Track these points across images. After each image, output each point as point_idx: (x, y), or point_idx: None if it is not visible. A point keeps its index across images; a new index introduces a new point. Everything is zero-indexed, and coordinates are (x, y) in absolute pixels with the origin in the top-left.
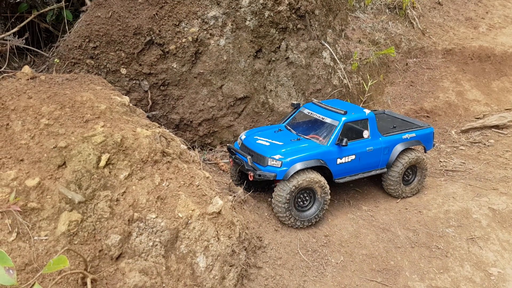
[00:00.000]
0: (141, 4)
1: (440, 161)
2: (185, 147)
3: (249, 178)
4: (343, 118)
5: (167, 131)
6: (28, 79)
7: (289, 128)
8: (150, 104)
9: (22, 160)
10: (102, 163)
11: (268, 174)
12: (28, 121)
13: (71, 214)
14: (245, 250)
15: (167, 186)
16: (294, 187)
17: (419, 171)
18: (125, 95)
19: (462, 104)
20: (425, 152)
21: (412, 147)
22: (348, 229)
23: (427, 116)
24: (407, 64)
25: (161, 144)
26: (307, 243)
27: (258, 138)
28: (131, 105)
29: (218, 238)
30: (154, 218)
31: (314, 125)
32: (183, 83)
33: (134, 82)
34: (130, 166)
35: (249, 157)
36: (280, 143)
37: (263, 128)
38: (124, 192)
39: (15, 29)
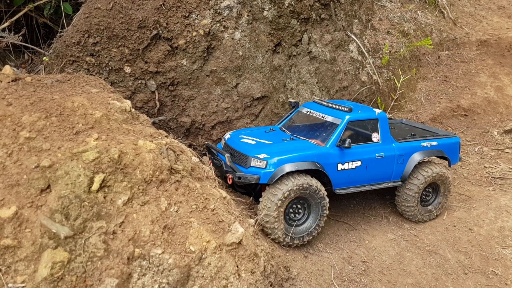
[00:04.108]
0: None
1: (485, 166)
2: (197, 159)
3: (228, 181)
4: (347, 116)
5: (176, 141)
6: (9, 82)
7: (284, 129)
8: (158, 106)
9: None
10: (95, 186)
11: (249, 177)
12: (4, 134)
13: (55, 252)
14: (271, 286)
15: (176, 212)
16: (290, 189)
17: (441, 190)
18: (130, 96)
19: (503, 101)
20: (449, 166)
21: (434, 161)
22: (389, 252)
23: (465, 115)
24: (439, 57)
25: (168, 159)
26: (343, 271)
27: (244, 137)
28: (133, 110)
29: (239, 275)
30: (160, 254)
31: (314, 127)
32: (194, 82)
33: (139, 81)
34: (130, 189)
35: (227, 155)
36: (269, 142)
37: (253, 128)
38: (123, 222)
39: (6, 24)
